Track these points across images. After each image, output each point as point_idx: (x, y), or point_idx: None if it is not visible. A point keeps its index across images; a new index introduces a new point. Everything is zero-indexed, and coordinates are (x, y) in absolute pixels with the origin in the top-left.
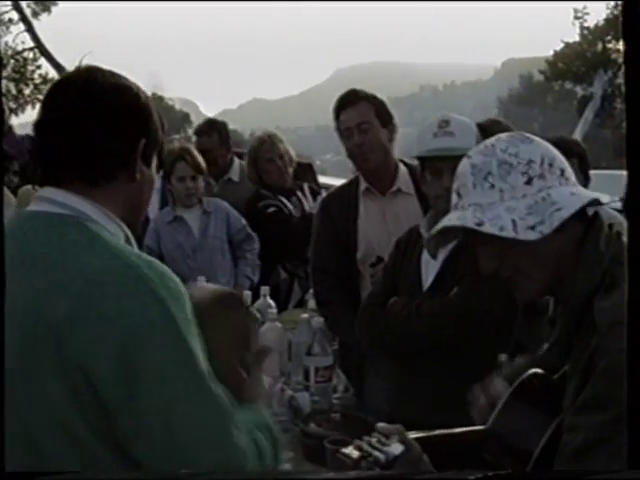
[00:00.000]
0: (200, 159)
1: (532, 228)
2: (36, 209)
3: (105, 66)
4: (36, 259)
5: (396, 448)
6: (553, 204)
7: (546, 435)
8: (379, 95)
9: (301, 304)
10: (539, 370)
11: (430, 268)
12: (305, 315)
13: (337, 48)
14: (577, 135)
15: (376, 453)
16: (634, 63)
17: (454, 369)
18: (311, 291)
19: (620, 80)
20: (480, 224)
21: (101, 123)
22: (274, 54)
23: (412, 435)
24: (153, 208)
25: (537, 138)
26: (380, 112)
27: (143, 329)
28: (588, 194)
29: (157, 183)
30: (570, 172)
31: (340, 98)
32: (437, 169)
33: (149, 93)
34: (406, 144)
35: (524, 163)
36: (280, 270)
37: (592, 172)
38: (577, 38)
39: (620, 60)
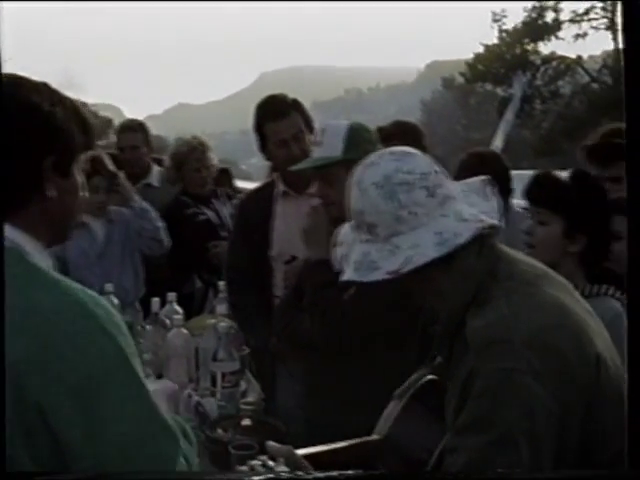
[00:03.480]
0: (113, 168)
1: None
2: None
3: (24, 71)
4: None
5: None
6: (346, 262)
7: (440, 445)
8: (305, 99)
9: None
10: (434, 377)
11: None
12: (211, 320)
13: (261, 53)
14: (499, 137)
15: None
16: (634, 64)
17: (365, 369)
18: (219, 296)
19: (539, 81)
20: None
21: (5, 147)
22: (198, 59)
23: (303, 452)
24: None
25: (367, 183)
26: (306, 119)
27: (99, 368)
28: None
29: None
30: (384, 226)
31: (269, 108)
32: (308, 181)
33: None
34: None
35: (351, 212)
36: (196, 279)
37: (514, 172)
38: (496, 41)
39: (538, 62)
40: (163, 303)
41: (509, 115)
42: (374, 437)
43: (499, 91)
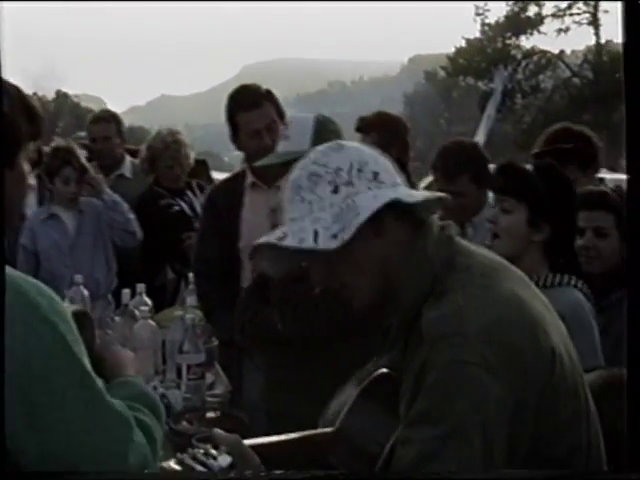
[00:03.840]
0: (84, 160)
1: (334, 236)
2: None
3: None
4: None
5: (224, 459)
6: (354, 210)
7: (392, 438)
8: (289, 92)
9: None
10: (387, 370)
11: None
12: (179, 312)
13: (244, 45)
14: (481, 131)
15: (199, 467)
16: (634, 63)
17: (330, 362)
18: (190, 287)
19: (520, 76)
20: (282, 238)
21: None
22: (182, 51)
23: (253, 442)
24: (29, 209)
25: (352, 144)
26: (278, 110)
27: (39, 358)
28: (389, 195)
29: (31, 184)
30: (388, 174)
31: (242, 98)
32: (276, 175)
33: (53, 90)
34: None
35: (332, 172)
36: (168, 270)
37: (494, 167)
38: (478, 35)
39: (519, 56)
40: (134, 295)
41: (490, 109)
42: (327, 429)
43: (481, 85)
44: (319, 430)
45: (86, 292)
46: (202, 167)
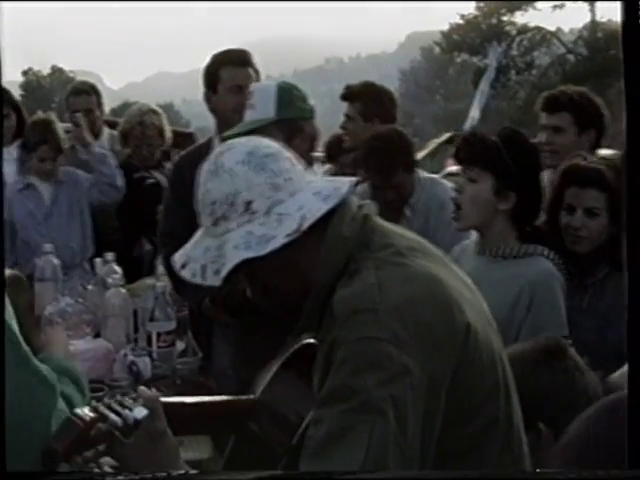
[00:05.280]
0: (62, 135)
1: (216, 273)
2: None
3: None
4: None
5: (139, 412)
6: (224, 256)
7: (309, 415)
8: (287, 68)
9: None
10: (312, 340)
11: None
12: (151, 281)
13: (243, 22)
14: (475, 107)
15: (112, 416)
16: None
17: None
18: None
19: (515, 52)
20: (184, 265)
21: None
22: (180, 28)
23: (174, 400)
24: (10, 177)
25: (229, 165)
26: (258, 78)
27: None
28: (257, 232)
29: (13, 153)
30: (265, 195)
31: (230, 55)
32: None
33: (49, 65)
34: None
35: (209, 204)
36: (144, 241)
37: None
38: (473, 11)
39: (514, 32)
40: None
41: (484, 85)
42: (249, 396)
43: (476, 61)
44: (242, 397)
45: (57, 261)
46: (188, 140)
